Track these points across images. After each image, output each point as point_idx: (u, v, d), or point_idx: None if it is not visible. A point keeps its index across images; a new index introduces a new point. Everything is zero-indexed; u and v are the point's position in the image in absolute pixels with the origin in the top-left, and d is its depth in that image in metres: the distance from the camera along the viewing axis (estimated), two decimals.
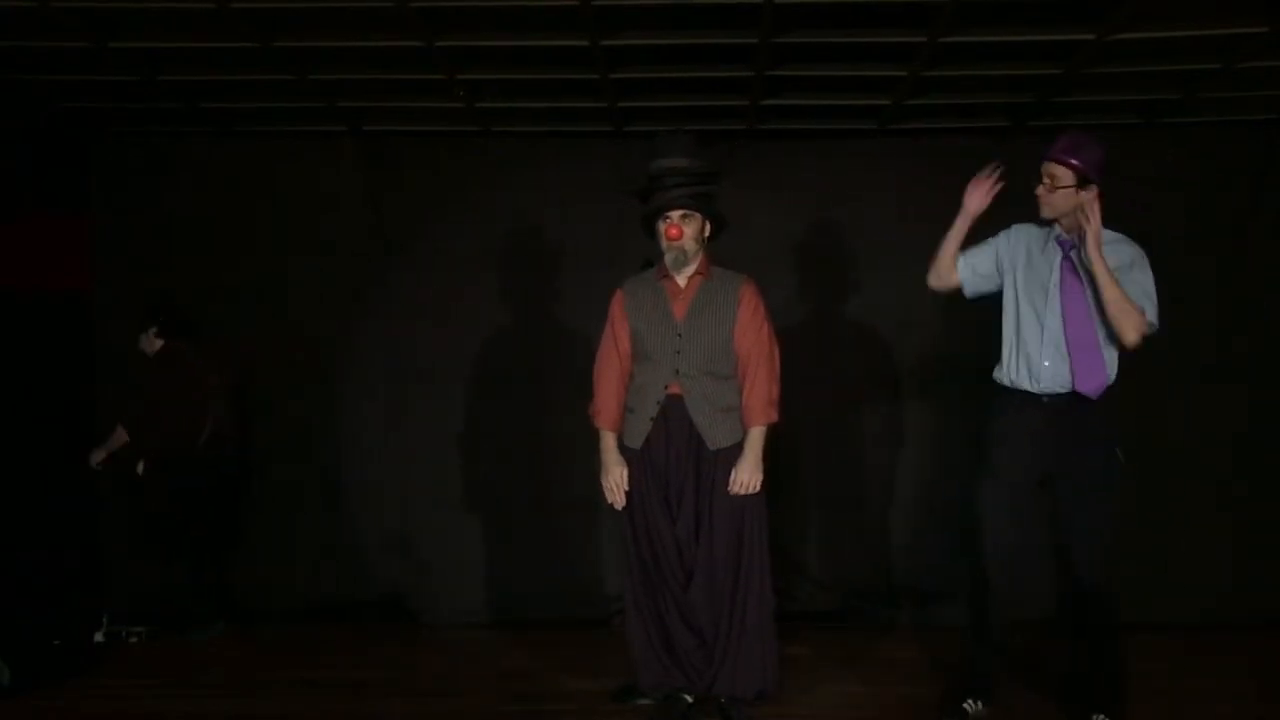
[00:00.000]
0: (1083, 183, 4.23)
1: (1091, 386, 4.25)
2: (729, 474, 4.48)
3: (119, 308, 6.30)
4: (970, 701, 4.49)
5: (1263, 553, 6.11)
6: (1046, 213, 4.32)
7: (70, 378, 6.35)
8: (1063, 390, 4.28)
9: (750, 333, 4.51)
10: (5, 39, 4.98)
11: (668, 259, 4.55)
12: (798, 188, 6.22)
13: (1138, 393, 6.14)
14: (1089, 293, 4.25)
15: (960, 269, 4.46)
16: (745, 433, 4.52)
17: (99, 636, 5.98)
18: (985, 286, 4.47)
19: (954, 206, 6.12)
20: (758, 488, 4.49)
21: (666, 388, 4.52)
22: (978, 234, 4.45)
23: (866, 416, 6.27)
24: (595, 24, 4.79)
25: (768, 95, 5.67)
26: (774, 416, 4.53)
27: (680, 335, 4.52)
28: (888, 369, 6.26)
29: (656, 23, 4.89)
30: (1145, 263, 4.30)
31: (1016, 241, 4.43)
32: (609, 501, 4.63)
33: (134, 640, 5.97)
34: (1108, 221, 4.23)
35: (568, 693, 5.02)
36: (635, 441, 4.57)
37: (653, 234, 4.61)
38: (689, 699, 4.58)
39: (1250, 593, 6.09)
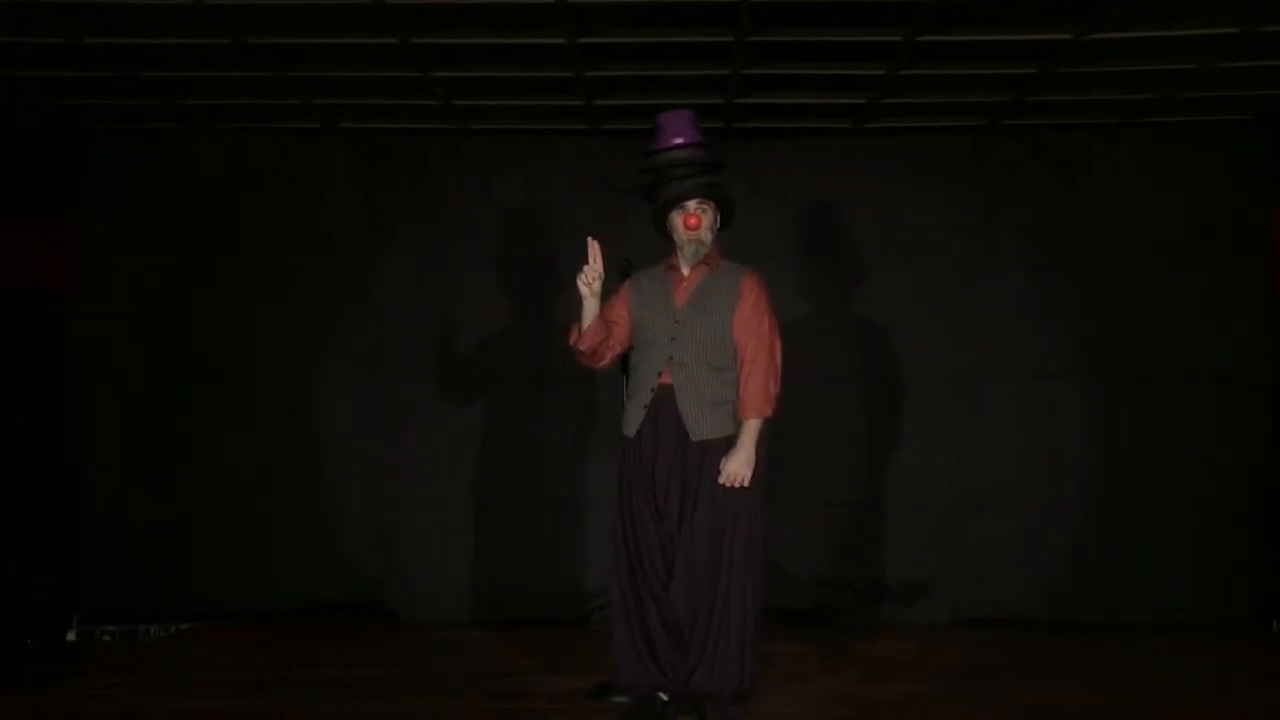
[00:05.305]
0: None
1: None
2: (714, 468, 4.43)
3: (101, 307, 6.27)
4: None
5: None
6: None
7: (49, 377, 6.30)
8: None
9: (750, 325, 4.48)
10: None
11: (686, 252, 4.52)
12: (774, 186, 6.22)
13: (1125, 396, 6.23)
14: None
15: None
16: (738, 425, 4.48)
17: (71, 635, 5.96)
18: None
19: (931, 205, 6.23)
20: (746, 482, 4.42)
21: (659, 375, 4.49)
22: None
23: (844, 415, 6.28)
24: (572, 22, 4.78)
25: (744, 94, 5.67)
26: (768, 411, 4.47)
27: (678, 323, 4.50)
28: (865, 367, 6.27)
29: (633, 21, 4.89)
30: None
31: None
32: (580, 284, 4.44)
33: (107, 639, 5.95)
34: None
35: (550, 691, 5.01)
36: (630, 429, 4.56)
37: (661, 229, 4.59)
38: (664, 697, 4.56)
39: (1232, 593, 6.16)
